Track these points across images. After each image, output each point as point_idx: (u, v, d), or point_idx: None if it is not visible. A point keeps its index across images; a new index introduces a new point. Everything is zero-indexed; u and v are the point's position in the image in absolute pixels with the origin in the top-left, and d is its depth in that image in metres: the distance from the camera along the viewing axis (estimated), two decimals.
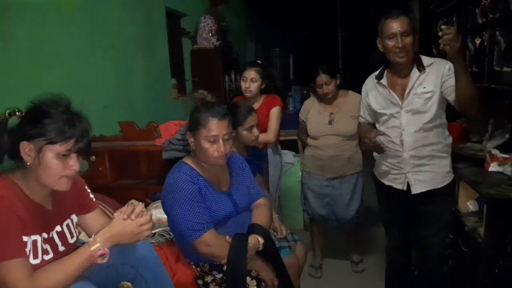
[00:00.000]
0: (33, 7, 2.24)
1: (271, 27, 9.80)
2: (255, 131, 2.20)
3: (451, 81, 1.84)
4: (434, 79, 1.91)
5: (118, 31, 3.19)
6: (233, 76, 5.39)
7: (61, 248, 1.33)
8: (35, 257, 1.23)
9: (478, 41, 2.53)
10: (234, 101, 2.50)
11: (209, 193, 1.72)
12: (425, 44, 3.59)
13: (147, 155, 2.71)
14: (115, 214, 1.33)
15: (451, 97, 1.88)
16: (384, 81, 2.02)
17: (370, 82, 2.13)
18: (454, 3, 2.99)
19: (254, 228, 1.75)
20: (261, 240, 1.71)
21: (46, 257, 1.26)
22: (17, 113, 1.24)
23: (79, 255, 1.25)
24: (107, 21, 3.02)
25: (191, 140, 1.74)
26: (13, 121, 1.24)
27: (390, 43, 1.88)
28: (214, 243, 1.64)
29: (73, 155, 1.25)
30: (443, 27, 1.69)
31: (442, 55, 3.12)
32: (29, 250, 1.21)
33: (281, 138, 3.05)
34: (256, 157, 2.35)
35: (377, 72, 2.08)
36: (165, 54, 4.13)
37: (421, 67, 1.93)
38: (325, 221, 2.90)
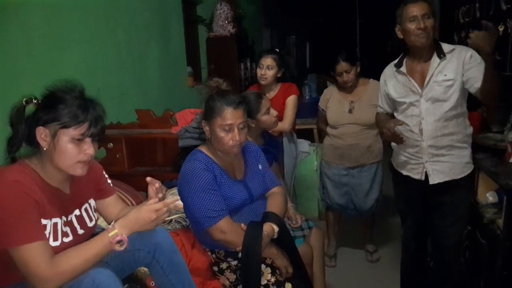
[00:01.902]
0: None
1: (287, 14, 9.69)
2: (273, 111, 2.23)
3: (473, 72, 1.82)
4: (455, 67, 1.87)
5: (134, 18, 3.19)
6: (248, 63, 5.37)
7: (80, 231, 1.36)
8: (55, 239, 1.25)
9: (501, 29, 2.45)
10: (241, 93, 2.50)
11: (224, 181, 1.73)
12: (446, 32, 3.50)
13: (163, 142, 2.73)
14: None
15: (472, 88, 1.85)
16: (403, 68, 1.99)
17: (388, 70, 2.10)
18: None
19: (268, 216, 1.75)
20: (275, 228, 1.71)
21: (66, 240, 1.29)
22: (33, 100, 1.26)
23: (98, 242, 1.26)
24: (122, 8, 3.02)
25: (206, 128, 1.75)
26: (30, 108, 1.27)
27: (411, 25, 1.86)
28: (229, 230, 1.65)
29: (87, 140, 1.26)
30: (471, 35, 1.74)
31: (463, 42, 3.05)
32: (49, 233, 1.23)
33: (297, 127, 3.04)
34: (272, 146, 2.35)
35: (396, 61, 2.05)
36: (180, 41, 4.12)
37: (441, 54, 1.89)
38: (343, 210, 2.89)
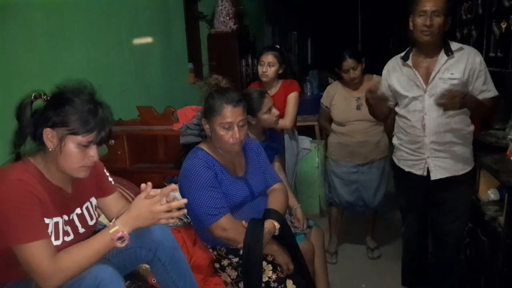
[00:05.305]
0: None
1: (288, 10, 9.65)
2: (274, 111, 2.23)
3: (478, 82, 1.88)
4: (463, 68, 1.88)
5: (136, 16, 3.19)
6: (250, 60, 5.36)
7: (81, 230, 1.37)
8: (56, 238, 1.26)
9: (504, 25, 2.44)
10: (244, 90, 2.49)
11: (225, 178, 1.73)
12: (448, 28, 3.48)
13: (164, 139, 2.74)
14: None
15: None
16: (409, 62, 1.99)
17: (392, 62, 2.10)
18: None
19: (270, 213, 1.76)
20: (277, 225, 1.72)
21: (67, 239, 1.30)
22: (42, 96, 1.26)
23: (99, 239, 1.26)
24: (124, 6, 3.02)
25: (206, 126, 1.75)
26: (39, 103, 1.26)
27: (419, 20, 1.86)
28: (230, 227, 1.66)
29: (93, 146, 1.27)
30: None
31: (465, 39, 3.03)
32: (51, 232, 1.24)
33: (298, 123, 3.03)
34: (274, 141, 2.35)
35: (402, 54, 2.05)
36: (182, 38, 4.12)
37: (449, 52, 1.90)
38: (352, 207, 2.89)
